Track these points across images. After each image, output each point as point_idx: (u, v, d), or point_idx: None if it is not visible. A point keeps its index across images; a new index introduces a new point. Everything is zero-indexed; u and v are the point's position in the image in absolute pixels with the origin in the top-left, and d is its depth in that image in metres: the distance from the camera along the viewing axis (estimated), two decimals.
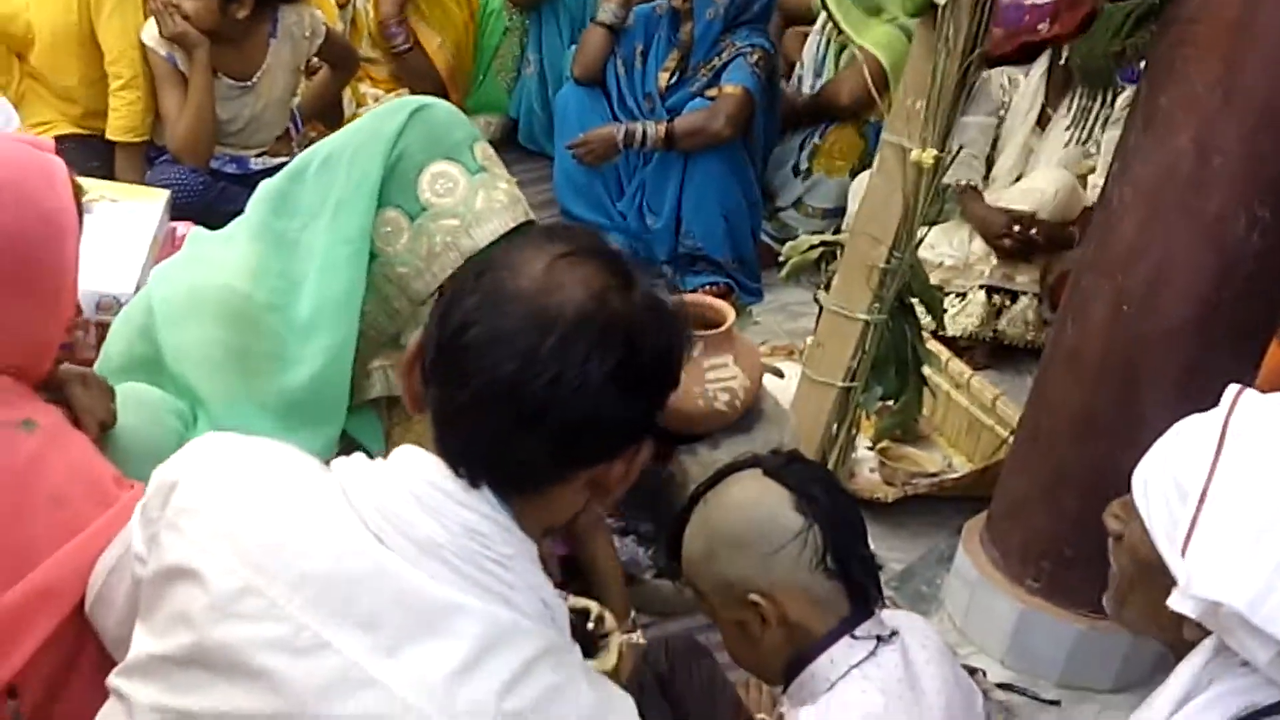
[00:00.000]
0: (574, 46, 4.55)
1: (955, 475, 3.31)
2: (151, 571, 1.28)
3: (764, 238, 4.42)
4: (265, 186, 2.07)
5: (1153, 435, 2.61)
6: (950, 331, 3.82)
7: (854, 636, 1.84)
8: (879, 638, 1.84)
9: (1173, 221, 2.45)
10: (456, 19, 4.74)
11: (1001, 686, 2.80)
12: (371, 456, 1.31)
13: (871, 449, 3.36)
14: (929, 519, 3.26)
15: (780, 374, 3.61)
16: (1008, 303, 4.02)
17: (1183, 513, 1.46)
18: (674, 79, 4.25)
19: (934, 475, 3.32)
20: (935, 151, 2.70)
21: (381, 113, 2.03)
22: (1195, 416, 1.53)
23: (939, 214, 2.91)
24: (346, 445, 2.03)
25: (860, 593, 1.87)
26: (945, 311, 3.90)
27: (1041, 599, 2.77)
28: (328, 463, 1.30)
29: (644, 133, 4.14)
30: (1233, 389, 1.54)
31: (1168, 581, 1.45)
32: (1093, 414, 2.63)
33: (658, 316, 1.24)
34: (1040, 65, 4.14)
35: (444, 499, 1.24)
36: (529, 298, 1.20)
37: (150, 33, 3.64)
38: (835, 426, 3.10)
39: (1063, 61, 3.93)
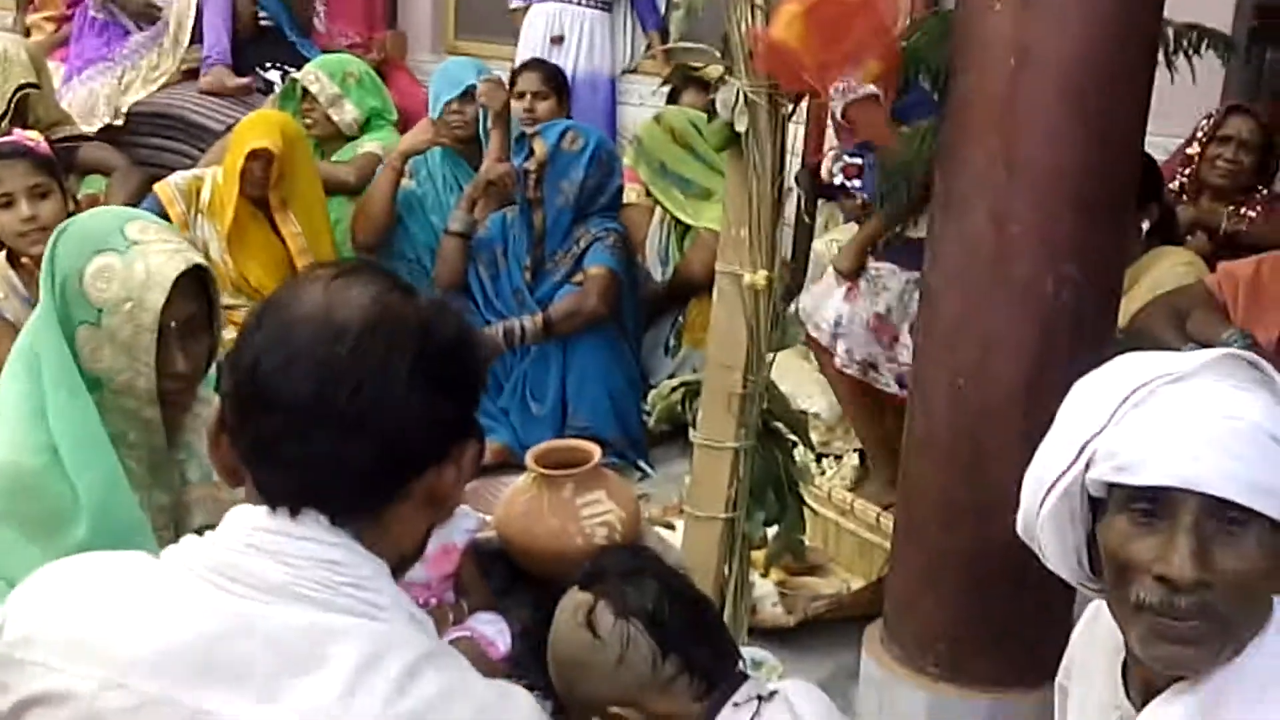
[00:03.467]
0: None
1: (852, 592, 3.37)
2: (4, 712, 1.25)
3: (644, 418, 4.55)
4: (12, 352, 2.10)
5: (1008, 505, 2.71)
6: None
7: (735, 704, 1.88)
8: (759, 698, 1.89)
9: (987, 295, 2.61)
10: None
11: None
12: None
13: (765, 575, 3.41)
14: (834, 640, 3.31)
15: (672, 527, 3.69)
16: None
17: None
18: (534, 272, 4.45)
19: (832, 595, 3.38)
20: (766, 272, 2.85)
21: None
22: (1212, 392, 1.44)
23: (783, 337, 3.04)
24: None
25: (720, 664, 1.92)
26: (823, 472, 4.04)
27: (945, 683, 2.80)
28: None
29: (522, 328, 4.33)
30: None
31: None
32: (952, 495, 2.73)
33: (443, 311, 1.30)
34: None
35: (280, 537, 1.23)
36: (314, 317, 1.23)
37: None
38: (727, 560, 3.16)
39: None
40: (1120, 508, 1.47)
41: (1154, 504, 1.43)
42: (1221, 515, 1.40)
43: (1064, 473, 1.52)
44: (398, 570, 1.32)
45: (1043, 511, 1.56)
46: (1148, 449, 1.42)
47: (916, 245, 3.15)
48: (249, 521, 1.26)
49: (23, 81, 4.89)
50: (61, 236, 2.05)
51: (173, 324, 2.00)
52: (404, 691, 1.19)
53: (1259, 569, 1.41)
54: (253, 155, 4.31)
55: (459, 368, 1.30)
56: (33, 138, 3.78)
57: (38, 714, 1.21)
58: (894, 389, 3.78)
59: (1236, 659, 1.44)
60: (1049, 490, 1.54)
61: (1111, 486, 1.47)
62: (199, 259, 2.03)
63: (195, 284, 2.04)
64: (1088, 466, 1.49)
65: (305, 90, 5.12)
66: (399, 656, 1.21)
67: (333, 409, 1.21)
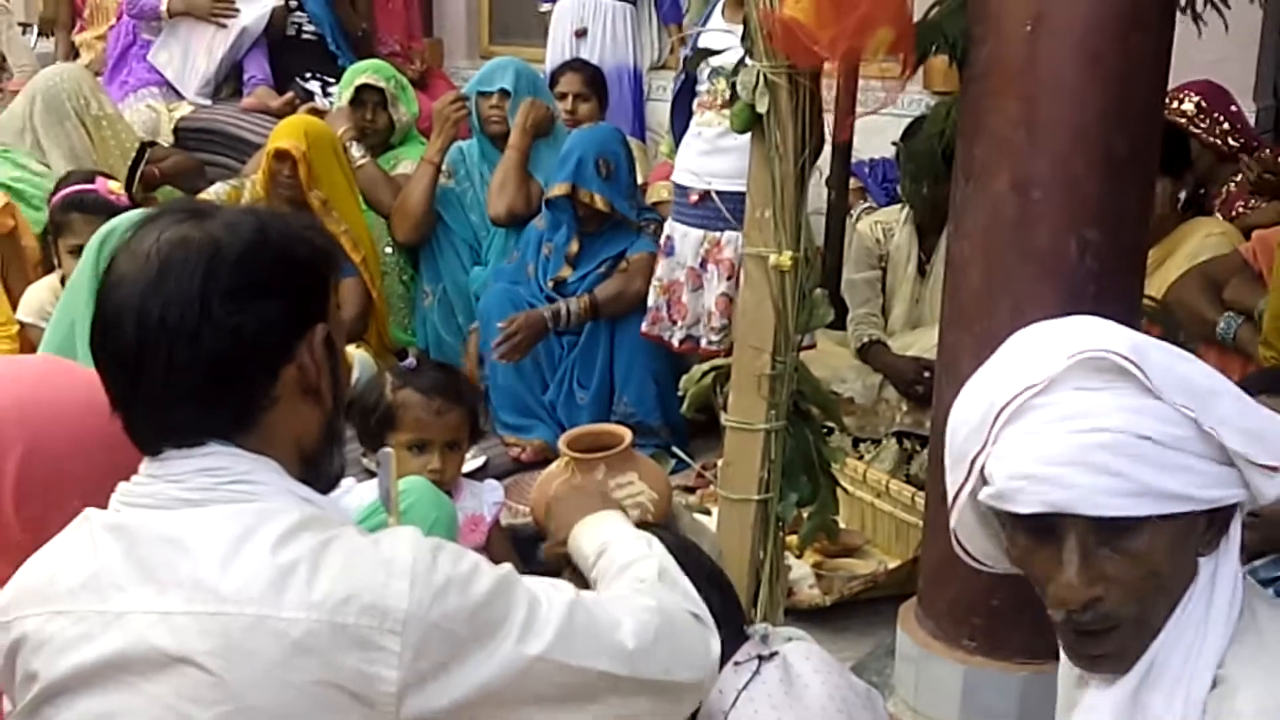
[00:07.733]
0: (476, 268, 4.84)
1: (888, 570, 3.37)
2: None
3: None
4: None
5: None
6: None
7: (736, 663, 1.90)
8: (760, 658, 1.90)
9: (1010, 263, 2.61)
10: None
11: None
12: None
13: (799, 557, 3.41)
14: (871, 619, 3.31)
15: (708, 512, 3.71)
16: (918, 447, 4.14)
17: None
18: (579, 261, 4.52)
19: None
20: (791, 253, 2.86)
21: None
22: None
23: (810, 319, 3.04)
24: None
25: (727, 618, 1.93)
26: (861, 457, 4.03)
27: (982, 656, 2.80)
28: None
29: (568, 309, 4.37)
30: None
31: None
32: None
33: (234, 225, 1.37)
34: (908, 217, 4.38)
35: (166, 460, 1.38)
36: (123, 272, 1.36)
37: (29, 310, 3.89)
38: (761, 543, 3.16)
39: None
40: (1014, 526, 1.47)
41: (1041, 524, 1.42)
42: (1108, 527, 1.38)
43: (961, 488, 1.51)
44: (312, 460, 1.45)
45: (954, 518, 1.56)
46: (1022, 479, 1.41)
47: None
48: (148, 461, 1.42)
49: (142, 140, 5.10)
50: (104, 244, 2.14)
51: None
52: (283, 545, 1.31)
53: (1152, 566, 1.40)
54: (277, 157, 4.41)
55: (263, 271, 1.36)
56: (115, 190, 3.86)
57: (20, 656, 1.40)
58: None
59: (1160, 634, 1.43)
60: (953, 503, 1.54)
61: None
62: None
63: None
64: (983, 481, 1.47)
65: (358, 98, 5.13)
66: (274, 526, 1.33)
67: (153, 350, 1.33)
